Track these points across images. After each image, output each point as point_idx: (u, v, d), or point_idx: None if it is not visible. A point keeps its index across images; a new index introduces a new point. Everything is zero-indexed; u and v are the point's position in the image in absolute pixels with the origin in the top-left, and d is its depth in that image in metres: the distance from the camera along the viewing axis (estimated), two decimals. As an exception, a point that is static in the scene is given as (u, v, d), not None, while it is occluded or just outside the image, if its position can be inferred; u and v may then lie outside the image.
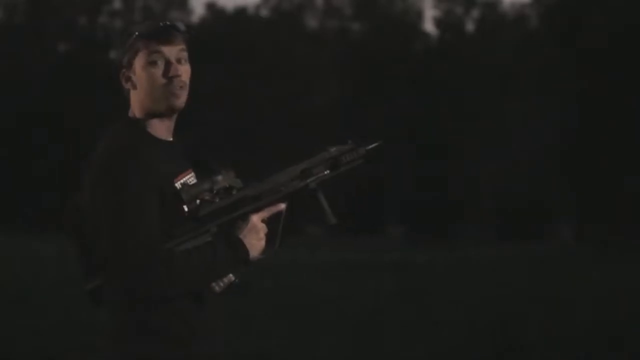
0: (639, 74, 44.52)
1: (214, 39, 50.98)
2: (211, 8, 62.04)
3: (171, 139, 3.04)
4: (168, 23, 2.99)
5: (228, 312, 3.06)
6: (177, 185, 2.96)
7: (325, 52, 58.18)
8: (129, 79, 2.99)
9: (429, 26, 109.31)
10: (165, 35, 2.97)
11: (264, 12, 61.69)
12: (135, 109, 3.00)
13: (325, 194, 3.05)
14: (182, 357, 2.93)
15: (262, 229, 2.97)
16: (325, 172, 3.05)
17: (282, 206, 3.00)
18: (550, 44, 48.74)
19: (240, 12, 61.59)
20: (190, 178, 3.02)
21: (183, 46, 3.00)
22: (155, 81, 2.96)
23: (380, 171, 51.38)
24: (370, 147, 3.16)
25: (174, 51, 2.98)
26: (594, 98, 45.06)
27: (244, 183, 2.98)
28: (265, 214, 2.98)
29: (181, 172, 3.01)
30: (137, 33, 2.96)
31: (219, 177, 2.93)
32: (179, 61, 2.99)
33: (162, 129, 3.01)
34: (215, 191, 2.92)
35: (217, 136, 53.22)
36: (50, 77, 55.96)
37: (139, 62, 2.96)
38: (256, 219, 2.97)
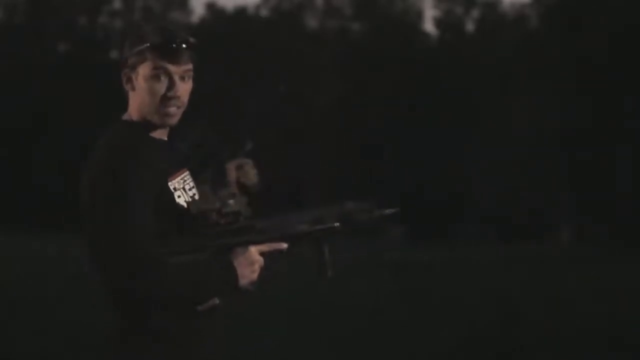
0: (639, 74, 44.54)
1: (214, 39, 50.99)
2: (211, 8, 62.06)
3: (166, 139, 3.04)
4: (179, 40, 2.96)
5: (228, 313, 3.06)
6: (172, 185, 2.96)
7: (325, 52, 58.18)
8: (129, 80, 2.99)
9: (429, 26, 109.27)
10: (175, 54, 2.96)
11: (264, 12, 61.72)
12: (133, 111, 3.00)
13: (330, 249, 3.03)
14: (182, 359, 2.93)
15: (258, 261, 2.94)
16: (335, 225, 3.01)
17: (284, 246, 3.01)
18: (550, 44, 48.76)
19: (240, 12, 61.61)
20: (185, 177, 3.02)
21: (190, 66, 3.01)
22: (155, 96, 2.95)
23: (381, 172, 51.43)
24: (387, 212, 3.12)
25: (179, 70, 2.98)
26: (594, 98, 45.07)
27: (255, 213, 2.98)
28: (265, 248, 2.97)
29: (176, 171, 3.01)
30: (148, 44, 2.94)
31: (231, 201, 2.93)
32: (182, 78, 2.98)
33: (157, 131, 3.01)
34: (223, 213, 2.92)
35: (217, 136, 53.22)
36: (50, 77, 56.00)
37: (143, 71, 2.95)
38: (254, 250, 2.94)
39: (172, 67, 2.96)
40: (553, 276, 20.85)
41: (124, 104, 3.06)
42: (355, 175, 52.14)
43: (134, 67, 2.98)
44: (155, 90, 2.95)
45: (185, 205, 2.96)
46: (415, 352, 10.08)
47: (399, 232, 49.92)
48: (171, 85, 2.96)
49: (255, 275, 2.95)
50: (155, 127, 3.00)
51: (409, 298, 15.48)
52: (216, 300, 2.90)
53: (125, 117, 3.03)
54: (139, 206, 2.82)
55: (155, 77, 2.95)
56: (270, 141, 54.55)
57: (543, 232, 47.81)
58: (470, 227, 50.74)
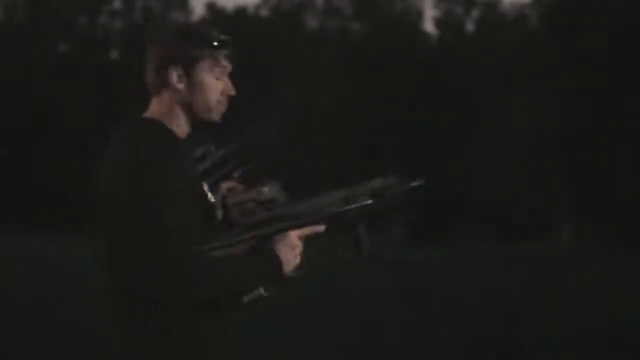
0: (639, 74, 44.54)
1: (214, 39, 50.92)
2: (211, 8, 62.07)
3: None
4: (230, 39, 3.03)
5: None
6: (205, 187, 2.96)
7: (325, 52, 58.19)
8: (181, 77, 2.97)
9: (429, 26, 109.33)
10: (231, 54, 3.05)
11: (264, 12, 61.73)
12: (167, 107, 2.97)
13: (365, 226, 3.04)
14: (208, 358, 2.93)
15: (299, 246, 2.97)
16: (368, 202, 3.03)
17: (320, 228, 3.01)
18: (550, 44, 48.75)
19: (240, 12, 61.62)
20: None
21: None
22: (213, 94, 2.98)
23: (381, 172, 51.30)
24: (414, 184, 3.13)
25: (230, 69, 3.05)
26: (594, 98, 45.07)
27: (288, 198, 2.99)
28: (303, 232, 2.99)
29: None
30: (215, 42, 2.98)
31: (265, 189, 2.94)
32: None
33: (184, 131, 3.00)
34: (260, 201, 2.93)
35: (217, 137, 53.22)
36: (50, 77, 55.99)
37: (202, 68, 2.96)
38: (294, 235, 2.96)
39: (229, 67, 3.00)
40: (553, 276, 20.85)
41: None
42: (355, 175, 52.09)
43: (191, 65, 2.97)
44: (215, 88, 2.99)
45: (219, 200, 2.97)
46: (415, 352, 10.08)
47: (400, 232, 49.96)
48: (228, 84, 3.02)
49: (297, 261, 2.97)
50: (191, 125, 3.00)
51: (408, 298, 15.48)
52: (262, 291, 2.90)
53: (153, 115, 2.98)
54: (182, 206, 2.79)
55: (214, 74, 2.97)
56: (269, 141, 54.49)
57: (543, 232, 47.80)
58: (470, 227, 50.74)
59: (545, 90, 48.95)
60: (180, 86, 2.97)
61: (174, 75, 2.96)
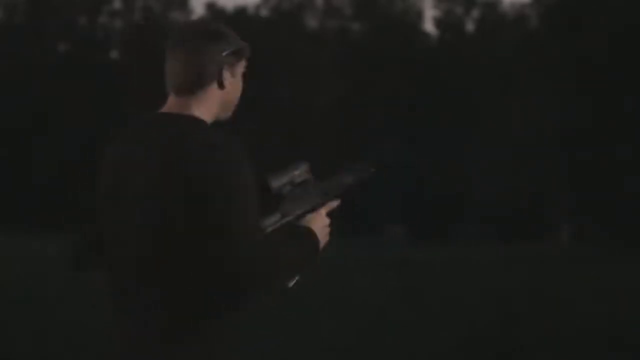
0: (639, 74, 44.56)
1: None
2: (211, 8, 62.07)
3: None
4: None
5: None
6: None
7: (325, 52, 58.19)
8: (219, 76, 2.95)
9: (429, 26, 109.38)
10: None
11: (264, 12, 61.73)
12: (207, 107, 2.97)
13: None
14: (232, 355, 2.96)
15: (327, 222, 3.06)
16: (372, 171, 3.20)
17: (337, 202, 3.11)
18: (550, 44, 48.76)
19: (240, 12, 61.63)
20: None
21: None
22: (238, 93, 3.03)
23: (381, 171, 51.44)
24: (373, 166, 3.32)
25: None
26: (594, 98, 45.09)
27: (315, 178, 3.08)
28: (329, 207, 3.08)
29: None
30: (246, 44, 3.02)
31: (297, 172, 3.01)
32: None
33: None
34: (296, 183, 3.00)
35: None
36: (50, 77, 56.01)
37: (238, 69, 2.99)
38: (324, 212, 3.05)
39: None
40: (553, 276, 20.85)
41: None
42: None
43: (231, 64, 2.99)
44: (240, 87, 3.03)
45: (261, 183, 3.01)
46: (415, 352, 10.08)
47: (400, 232, 49.96)
48: (244, 84, 3.05)
49: (328, 237, 3.04)
50: (212, 119, 3.02)
51: (409, 298, 15.49)
52: (299, 276, 2.97)
53: (179, 111, 2.95)
54: (254, 202, 2.82)
55: (243, 76, 3.02)
56: (270, 141, 54.53)
57: (543, 232, 47.81)
58: (470, 227, 50.74)
59: (545, 90, 48.94)
60: (229, 85, 2.99)
61: (225, 75, 2.98)
